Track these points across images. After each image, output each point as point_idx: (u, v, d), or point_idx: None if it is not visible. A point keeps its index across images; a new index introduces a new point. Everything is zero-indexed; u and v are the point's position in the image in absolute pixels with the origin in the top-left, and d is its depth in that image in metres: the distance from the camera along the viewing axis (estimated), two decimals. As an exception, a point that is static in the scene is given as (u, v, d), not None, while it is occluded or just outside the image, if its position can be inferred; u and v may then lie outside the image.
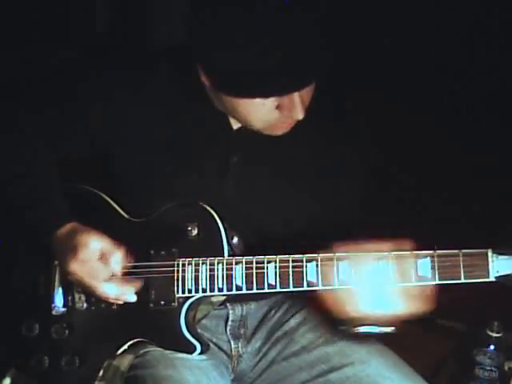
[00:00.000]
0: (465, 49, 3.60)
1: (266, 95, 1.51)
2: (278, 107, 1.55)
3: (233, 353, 1.82)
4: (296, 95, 1.52)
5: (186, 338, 1.63)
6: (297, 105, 1.53)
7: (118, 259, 1.59)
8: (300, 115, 1.55)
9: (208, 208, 1.64)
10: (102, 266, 1.58)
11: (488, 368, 2.33)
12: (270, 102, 1.53)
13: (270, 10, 1.42)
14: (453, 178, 3.42)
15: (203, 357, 1.66)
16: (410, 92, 3.62)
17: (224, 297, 1.69)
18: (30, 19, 3.66)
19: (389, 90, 3.59)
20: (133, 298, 1.61)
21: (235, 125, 1.69)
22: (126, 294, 1.61)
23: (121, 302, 1.63)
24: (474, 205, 3.24)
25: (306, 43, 1.45)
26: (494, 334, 2.32)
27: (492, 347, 2.33)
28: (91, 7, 3.97)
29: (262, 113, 1.55)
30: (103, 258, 1.58)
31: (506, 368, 2.34)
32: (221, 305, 1.79)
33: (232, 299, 1.75)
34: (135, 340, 1.65)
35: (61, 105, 1.71)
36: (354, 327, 1.58)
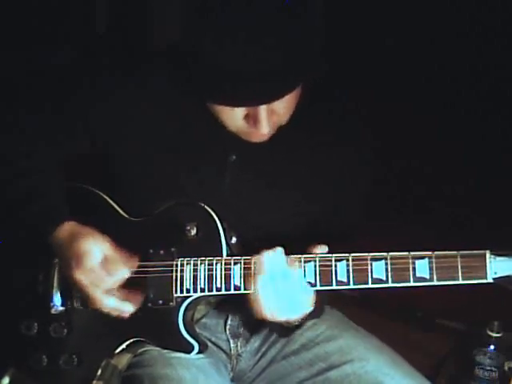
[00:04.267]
0: (467, 49, 3.60)
1: (230, 104, 1.50)
2: (245, 117, 1.54)
3: (232, 352, 1.82)
4: (262, 109, 1.50)
5: (184, 337, 1.62)
6: (262, 119, 1.51)
7: (121, 267, 1.57)
8: (264, 130, 1.53)
9: (207, 208, 1.63)
10: (106, 276, 1.56)
11: (488, 368, 2.32)
12: (239, 111, 1.52)
13: (254, 16, 1.39)
14: (452, 179, 3.42)
15: (201, 355, 1.66)
16: (411, 92, 3.62)
17: (222, 297, 1.69)
18: (30, 19, 3.66)
19: (390, 90, 3.59)
20: (131, 309, 1.60)
21: (234, 124, 1.69)
22: (125, 306, 1.59)
23: (117, 313, 1.61)
24: (472, 206, 3.23)
25: (280, 55, 1.41)
26: (494, 334, 2.31)
27: (492, 347, 2.32)
28: (91, 7, 3.98)
29: (231, 119, 1.55)
30: (107, 264, 1.57)
31: (506, 368, 2.34)
32: (220, 304, 1.79)
33: (231, 298, 1.75)
34: (133, 339, 1.65)
35: (61, 105, 1.71)
36: None
